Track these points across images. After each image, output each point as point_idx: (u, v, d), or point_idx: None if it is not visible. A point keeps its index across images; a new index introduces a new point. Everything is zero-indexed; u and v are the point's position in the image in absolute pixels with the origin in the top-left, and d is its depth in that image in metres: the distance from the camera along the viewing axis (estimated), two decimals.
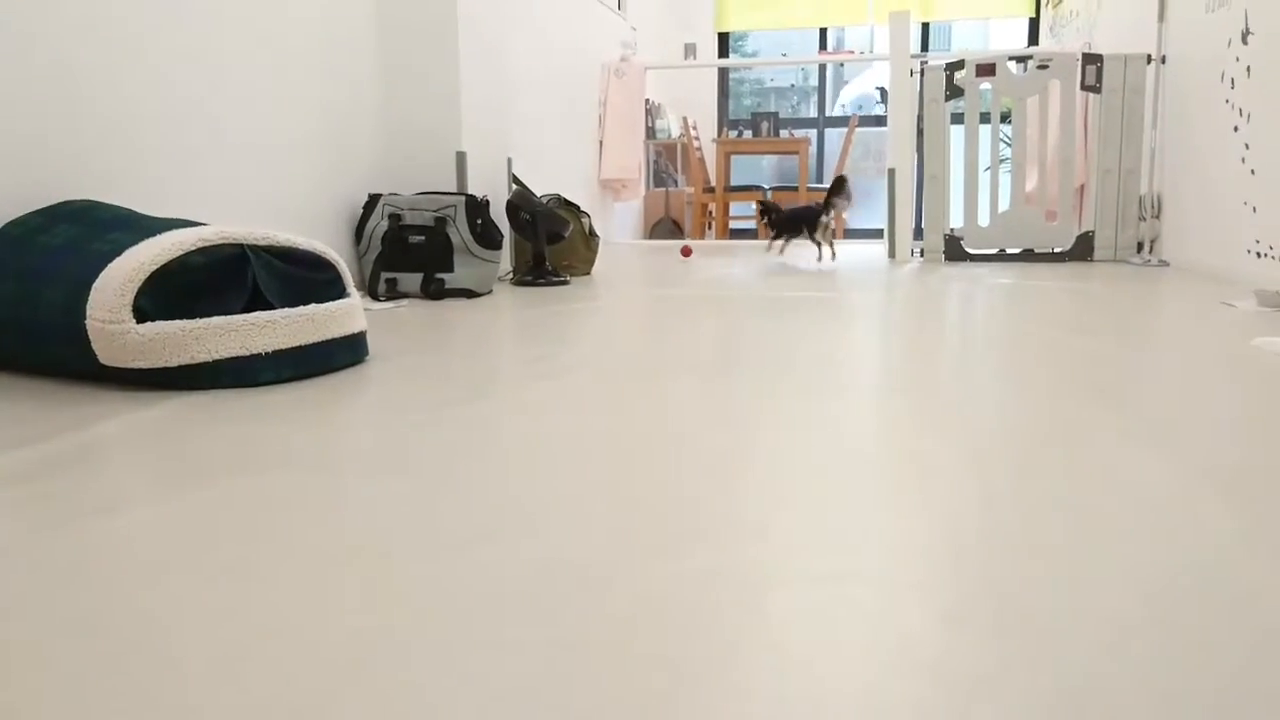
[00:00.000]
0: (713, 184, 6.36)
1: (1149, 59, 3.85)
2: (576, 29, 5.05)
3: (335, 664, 0.58)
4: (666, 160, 7.02)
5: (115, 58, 1.94)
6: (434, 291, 2.73)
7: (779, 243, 4.17)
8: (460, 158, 3.06)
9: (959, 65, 3.90)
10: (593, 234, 3.53)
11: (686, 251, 4.41)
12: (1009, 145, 4.47)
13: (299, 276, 1.61)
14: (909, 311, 2.37)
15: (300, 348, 1.52)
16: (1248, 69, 3.10)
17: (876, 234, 6.05)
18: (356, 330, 1.65)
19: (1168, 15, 3.86)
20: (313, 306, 1.55)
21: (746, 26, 7.95)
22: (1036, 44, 6.99)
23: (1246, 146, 3.11)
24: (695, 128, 6.48)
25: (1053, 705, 0.51)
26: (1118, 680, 0.54)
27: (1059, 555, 0.74)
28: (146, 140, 2.04)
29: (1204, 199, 3.47)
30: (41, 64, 1.77)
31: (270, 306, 1.52)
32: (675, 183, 6.95)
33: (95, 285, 1.41)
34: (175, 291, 1.45)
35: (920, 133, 4.03)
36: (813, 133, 7.97)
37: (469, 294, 2.77)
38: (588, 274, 3.51)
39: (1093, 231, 3.92)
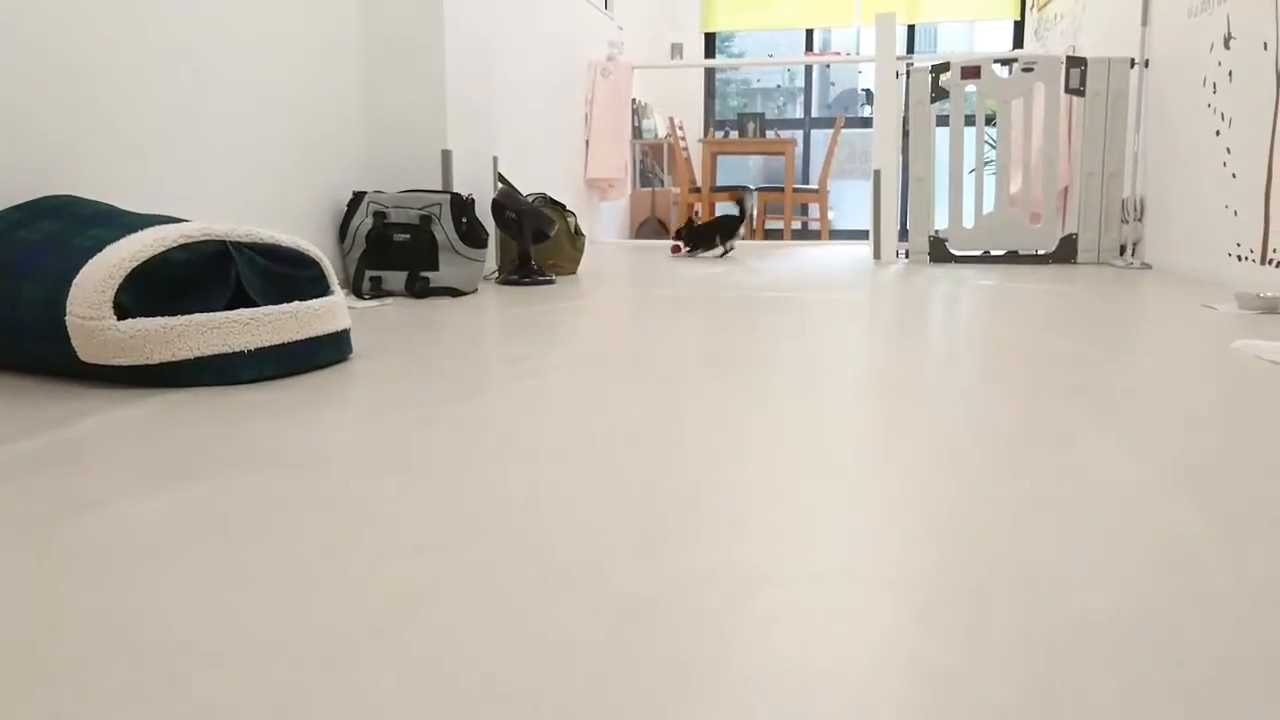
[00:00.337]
0: (699, 184, 6.37)
1: (1132, 63, 3.88)
2: (563, 28, 5.04)
3: (320, 662, 0.57)
4: (653, 160, 7.03)
5: (97, 53, 1.93)
6: (419, 290, 2.73)
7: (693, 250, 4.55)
8: (446, 156, 3.05)
9: (944, 67, 3.92)
10: (578, 233, 3.52)
11: (676, 250, 4.61)
12: (994, 147, 4.49)
13: (282, 274, 1.60)
14: (893, 312, 2.38)
15: (283, 345, 1.51)
16: (1230, 74, 3.13)
17: (862, 235, 6.07)
18: (340, 328, 1.64)
19: (1151, 19, 3.89)
20: (296, 304, 1.54)
21: (733, 27, 7.97)
22: (1021, 47, 7.04)
23: (1228, 150, 3.14)
24: (682, 128, 6.49)
25: (1028, 704, 0.52)
26: (1094, 678, 0.54)
27: (1038, 554, 0.74)
28: (129, 136, 2.02)
29: (1186, 202, 3.50)
30: (21, 59, 1.75)
31: (253, 304, 1.51)
32: (661, 183, 6.96)
33: (76, 281, 1.39)
34: (157, 288, 1.44)
35: (905, 134, 4.05)
36: (799, 134, 8.00)
37: (454, 292, 2.76)
38: (573, 273, 3.51)
39: (1076, 234, 3.95)
